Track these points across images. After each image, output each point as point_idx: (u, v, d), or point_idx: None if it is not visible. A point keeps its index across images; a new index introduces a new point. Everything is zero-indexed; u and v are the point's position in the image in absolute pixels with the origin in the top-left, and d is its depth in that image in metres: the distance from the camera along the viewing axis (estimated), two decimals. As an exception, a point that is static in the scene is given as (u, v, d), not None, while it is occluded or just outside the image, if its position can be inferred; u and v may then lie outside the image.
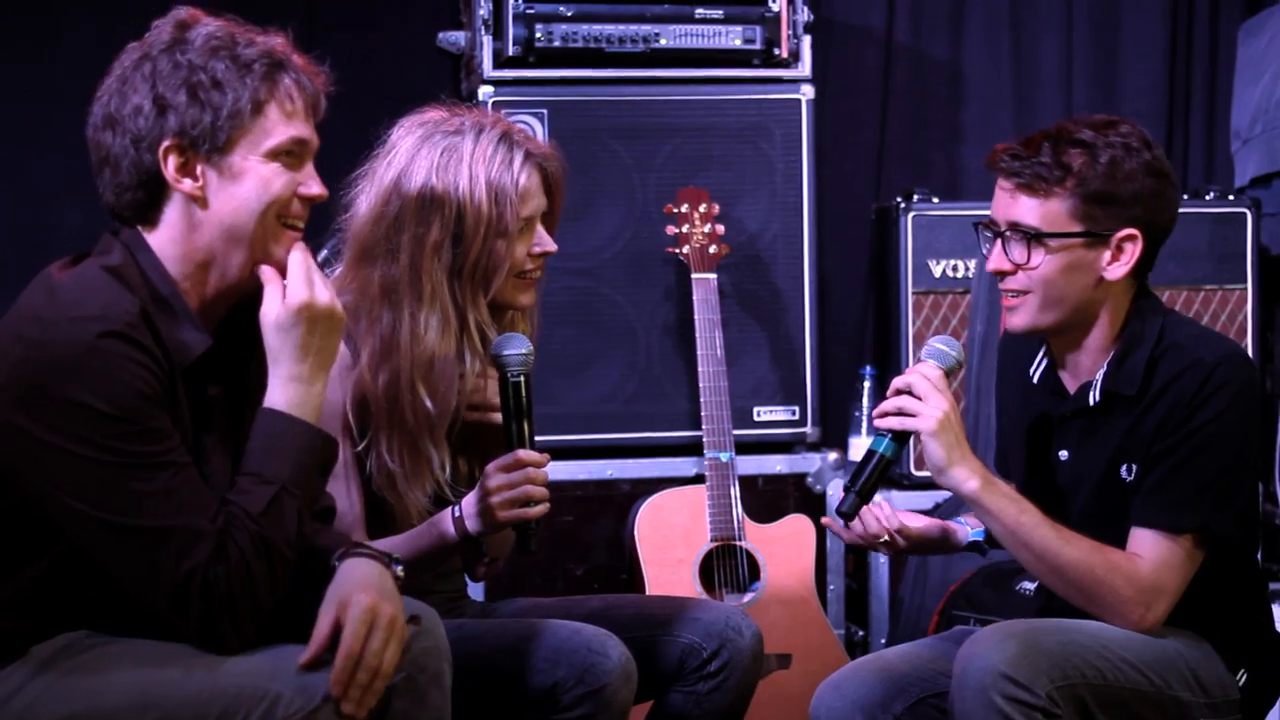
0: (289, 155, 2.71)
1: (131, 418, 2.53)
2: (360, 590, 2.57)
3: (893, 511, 3.29)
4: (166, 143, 2.65)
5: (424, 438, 3.19)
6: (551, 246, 3.28)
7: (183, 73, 2.64)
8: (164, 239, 2.69)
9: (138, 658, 2.60)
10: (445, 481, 3.22)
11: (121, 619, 2.65)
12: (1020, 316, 3.18)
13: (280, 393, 2.68)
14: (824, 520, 3.38)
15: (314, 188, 2.75)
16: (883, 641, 4.97)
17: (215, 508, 2.60)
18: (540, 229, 3.27)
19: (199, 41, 2.66)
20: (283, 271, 2.71)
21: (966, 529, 3.37)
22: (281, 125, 2.69)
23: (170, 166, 2.65)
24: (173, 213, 2.69)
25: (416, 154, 3.19)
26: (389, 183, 3.19)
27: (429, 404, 3.17)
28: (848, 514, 3.12)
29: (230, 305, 2.76)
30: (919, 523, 3.35)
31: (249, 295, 2.74)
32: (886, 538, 3.28)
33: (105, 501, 2.52)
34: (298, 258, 2.72)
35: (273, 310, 2.68)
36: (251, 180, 2.68)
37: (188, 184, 2.66)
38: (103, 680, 2.58)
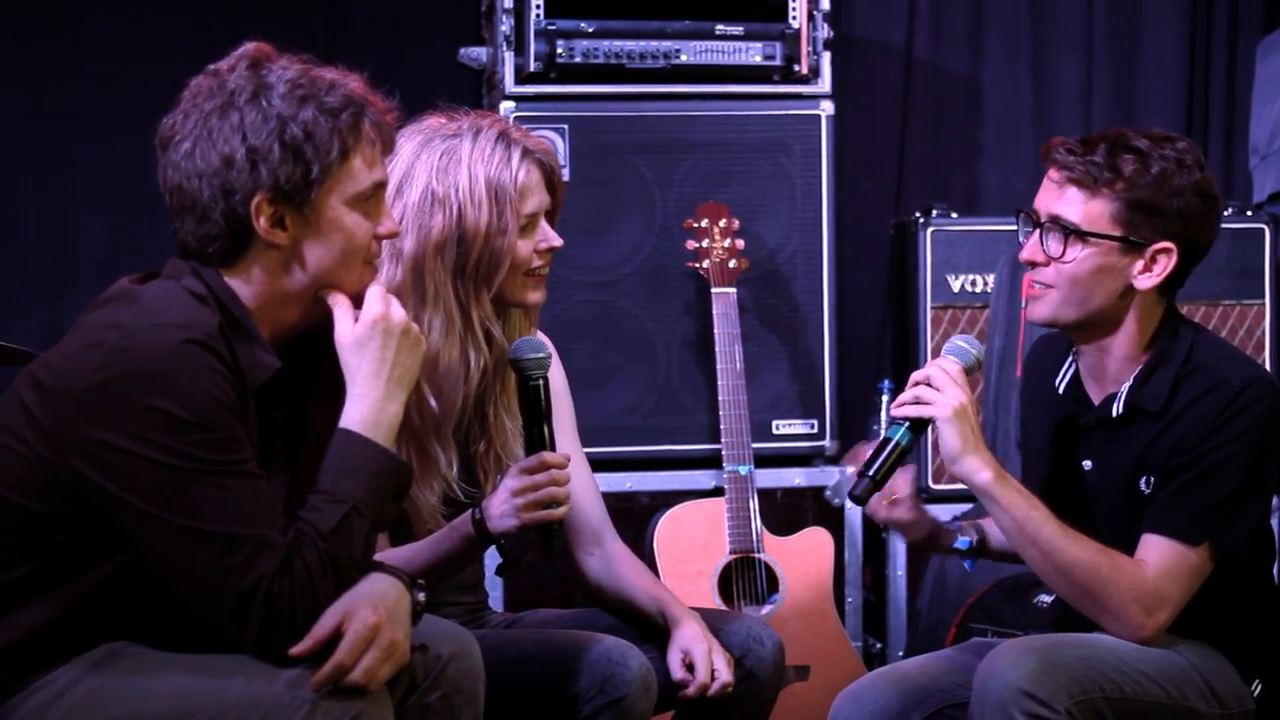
0: (369, 199, 2.73)
1: (210, 425, 2.53)
2: (369, 606, 2.58)
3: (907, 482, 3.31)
4: (259, 196, 2.64)
5: (430, 438, 3.21)
6: (557, 241, 3.28)
7: (273, 124, 2.63)
8: (243, 280, 2.70)
9: (179, 666, 2.62)
10: (454, 480, 3.24)
11: (164, 635, 2.66)
12: (1043, 307, 3.19)
13: (355, 412, 2.69)
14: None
15: (387, 224, 2.78)
16: (900, 654, 4.98)
17: (285, 521, 2.61)
18: (545, 225, 3.28)
19: (282, 88, 2.65)
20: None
21: (956, 534, 3.39)
22: (365, 172, 2.71)
23: (262, 219, 2.65)
24: (258, 260, 2.69)
25: (416, 159, 3.20)
26: (390, 192, 3.19)
27: (434, 404, 3.20)
28: (860, 498, 3.14)
29: (296, 333, 2.77)
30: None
31: (314, 324, 2.76)
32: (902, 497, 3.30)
33: (178, 506, 2.52)
34: (375, 286, 2.74)
35: (346, 328, 2.70)
36: (339, 231, 2.69)
37: (279, 235, 2.67)
38: (144, 686, 2.59)
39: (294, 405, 2.78)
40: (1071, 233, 3.13)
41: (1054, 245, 3.15)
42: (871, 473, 3.11)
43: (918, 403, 3.11)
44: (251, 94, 2.65)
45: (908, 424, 3.12)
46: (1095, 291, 3.15)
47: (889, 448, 3.11)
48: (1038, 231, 3.18)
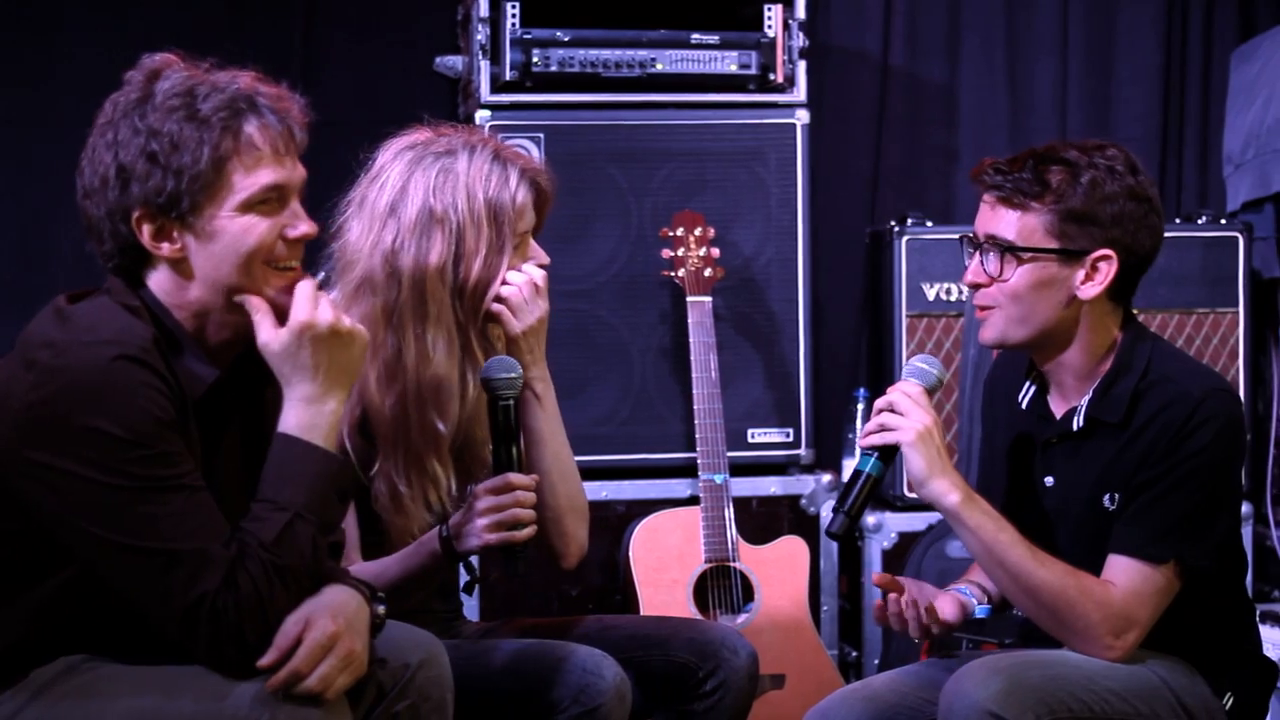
0: (264, 203, 2.67)
1: (146, 442, 2.52)
2: (329, 614, 2.58)
3: (921, 601, 3.26)
4: (137, 213, 2.63)
5: (430, 457, 3.21)
6: (546, 259, 3.29)
7: (141, 139, 2.61)
8: (158, 293, 2.68)
9: (134, 683, 2.61)
10: (452, 498, 3.24)
11: (124, 644, 2.65)
12: (990, 330, 3.20)
13: (291, 416, 2.67)
14: (875, 580, 3.30)
15: (300, 227, 2.71)
16: (875, 662, 4.98)
17: (228, 533, 2.59)
18: (533, 243, 3.29)
19: (158, 99, 2.63)
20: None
21: (973, 601, 3.36)
22: (248, 177, 2.64)
23: (145, 234, 2.64)
24: (159, 274, 2.68)
25: (410, 177, 3.20)
26: (384, 208, 3.19)
27: (439, 424, 3.19)
28: (838, 534, 3.13)
29: (242, 346, 2.74)
30: (948, 608, 3.32)
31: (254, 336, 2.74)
32: (925, 628, 3.26)
33: (118, 524, 2.52)
34: (304, 285, 2.69)
35: (267, 334, 2.67)
36: (228, 236, 2.65)
37: (166, 248, 2.65)
38: (98, 706, 2.58)
39: (246, 418, 2.77)
40: (1007, 250, 3.13)
41: (993, 265, 3.15)
42: (846, 508, 3.11)
43: (883, 430, 3.11)
44: (129, 109, 2.64)
45: (877, 454, 3.12)
46: (1038, 306, 3.14)
47: (861, 480, 3.11)
48: (977, 254, 3.18)
